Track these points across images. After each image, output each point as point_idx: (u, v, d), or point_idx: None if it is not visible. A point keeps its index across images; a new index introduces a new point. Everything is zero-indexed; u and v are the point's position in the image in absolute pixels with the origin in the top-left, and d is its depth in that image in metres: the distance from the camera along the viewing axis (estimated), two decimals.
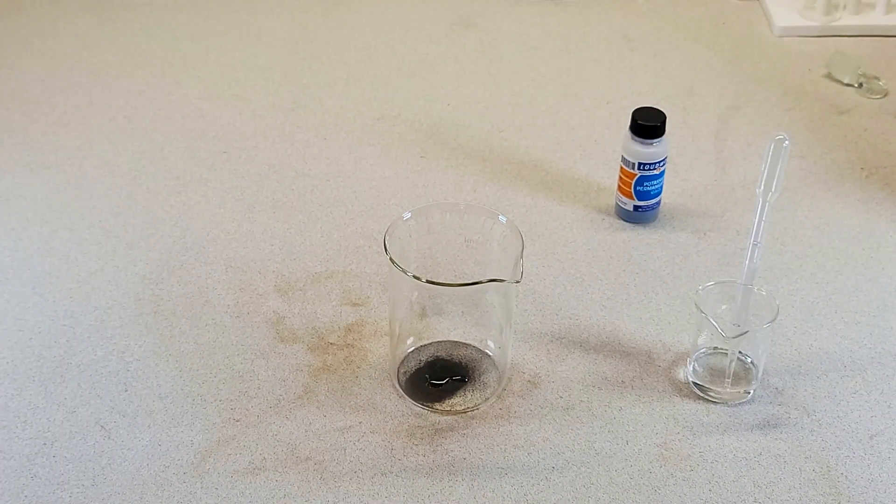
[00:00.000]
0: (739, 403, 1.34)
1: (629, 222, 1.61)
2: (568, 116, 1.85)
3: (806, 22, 2.07)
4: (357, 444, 1.29)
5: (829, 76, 1.95)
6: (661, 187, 1.60)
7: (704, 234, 1.59)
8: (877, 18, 2.08)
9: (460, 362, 1.37)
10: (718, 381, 1.35)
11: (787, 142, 1.26)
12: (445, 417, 1.32)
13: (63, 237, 1.59)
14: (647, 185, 1.58)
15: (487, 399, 1.34)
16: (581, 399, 1.34)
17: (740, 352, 1.35)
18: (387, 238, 1.27)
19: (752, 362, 1.36)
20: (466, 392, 1.34)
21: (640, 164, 1.56)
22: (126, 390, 1.35)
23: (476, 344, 1.38)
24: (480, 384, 1.34)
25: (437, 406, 1.32)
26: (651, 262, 1.55)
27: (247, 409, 1.33)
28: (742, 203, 1.64)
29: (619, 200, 1.61)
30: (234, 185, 1.69)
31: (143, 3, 2.17)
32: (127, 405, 1.33)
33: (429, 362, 1.36)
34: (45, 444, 1.29)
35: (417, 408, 1.33)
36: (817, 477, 1.25)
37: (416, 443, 1.29)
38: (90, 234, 1.59)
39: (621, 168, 1.58)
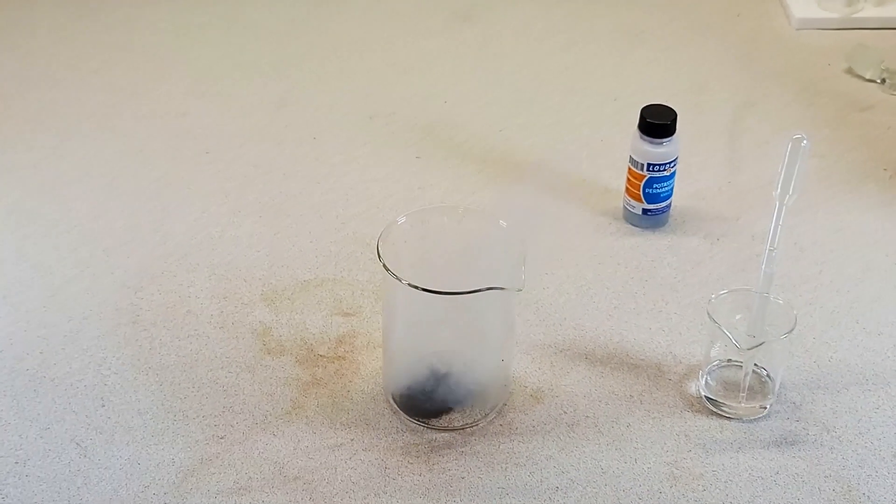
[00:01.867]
0: (755, 419, 1.34)
1: (638, 227, 1.61)
2: (572, 114, 1.85)
3: (825, 13, 2.07)
4: (349, 462, 1.29)
5: (850, 71, 1.95)
6: (672, 189, 1.60)
7: (717, 239, 1.59)
8: None
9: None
10: (732, 396, 1.35)
11: (805, 141, 1.25)
12: (443, 434, 1.32)
13: (36, 242, 1.58)
14: (656, 188, 1.58)
15: (487, 415, 1.33)
16: (587, 414, 1.34)
17: (756, 364, 1.35)
18: (380, 244, 1.27)
19: (768, 375, 1.36)
20: (465, 407, 1.33)
21: (649, 164, 1.56)
22: (103, 405, 1.35)
23: (476, 356, 1.37)
24: (480, 399, 1.34)
25: (434, 422, 1.32)
26: (661, 269, 1.55)
27: (231, 426, 1.33)
28: (757, 206, 1.64)
29: (627, 203, 1.61)
30: (218, 188, 1.69)
31: None
32: (104, 421, 1.33)
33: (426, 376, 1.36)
34: (16, 462, 1.28)
35: (413, 424, 1.33)
36: (837, 497, 1.25)
37: (411, 461, 1.29)
38: (65, 240, 1.59)
39: (629, 169, 1.59)
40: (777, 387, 1.35)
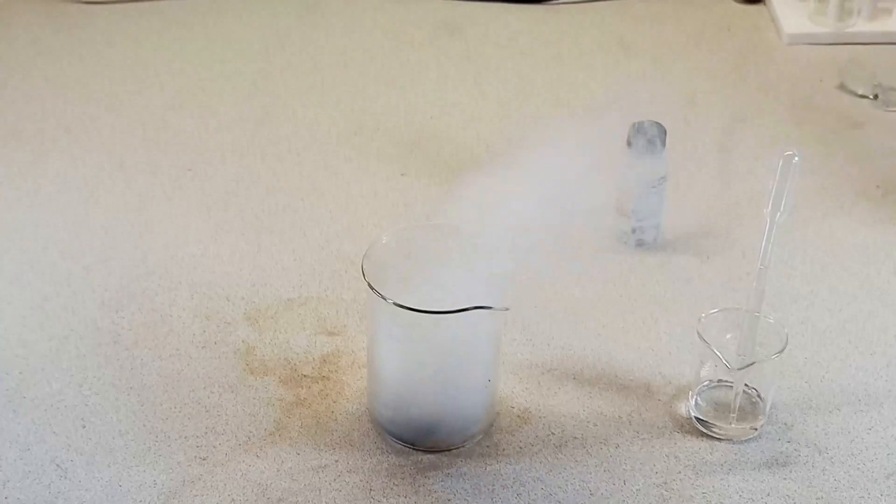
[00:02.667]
0: (746, 440, 1.35)
1: (626, 244, 1.62)
2: (560, 128, 1.86)
3: (817, 28, 2.08)
4: (333, 484, 1.29)
5: (843, 87, 1.96)
6: (661, 206, 1.60)
7: (708, 256, 1.60)
8: (894, 24, 2.09)
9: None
10: (723, 417, 1.35)
11: (796, 158, 1.26)
12: (428, 455, 1.32)
13: (14, 259, 1.59)
14: (645, 204, 1.58)
15: (474, 436, 1.34)
16: (575, 435, 1.35)
17: (746, 384, 1.36)
18: (365, 262, 1.28)
19: (759, 396, 1.37)
20: (451, 428, 1.34)
21: (637, 181, 1.56)
22: (84, 426, 1.35)
23: (462, 376, 1.38)
24: (466, 420, 1.35)
25: (420, 443, 1.33)
26: (650, 288, 1.55)
27: (214, 447, 1.33)
28: (748, 223, 1.65)
29: (616, 220, 1.61)
30: (199, 204, 1.69)
31: (102, 7, 2.17)
32: (85, 442, 1.33)
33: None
34: None
35: (398, 445, 1.33)
36: None
37: (396, 483, 1.29)
38: (44, 256, 1.59)
39: (618, 185, 1.59)
40: (768, 407, 1.36)
